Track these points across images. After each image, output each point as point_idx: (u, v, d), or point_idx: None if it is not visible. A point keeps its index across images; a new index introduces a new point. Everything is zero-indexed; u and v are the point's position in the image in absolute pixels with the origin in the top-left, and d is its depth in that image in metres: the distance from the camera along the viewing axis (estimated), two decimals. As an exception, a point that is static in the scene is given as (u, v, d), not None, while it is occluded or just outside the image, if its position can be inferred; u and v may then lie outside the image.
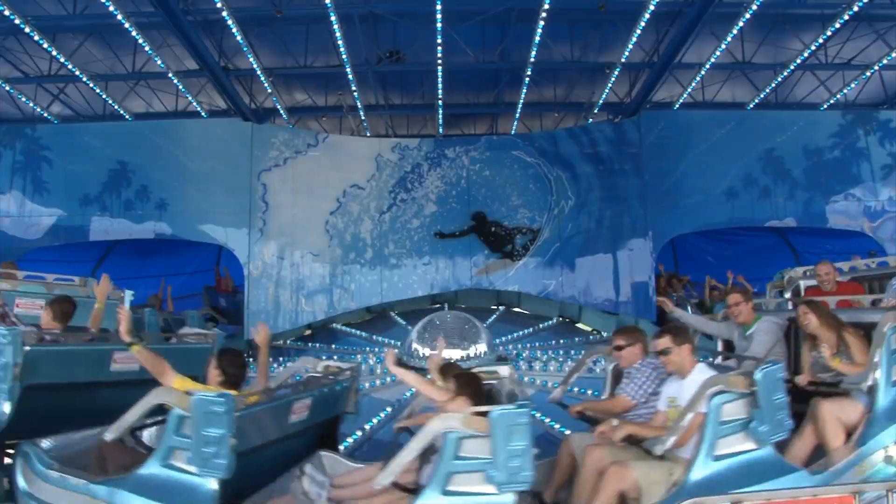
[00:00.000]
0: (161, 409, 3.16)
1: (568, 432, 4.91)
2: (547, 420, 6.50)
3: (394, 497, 3.30)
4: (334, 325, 12.69)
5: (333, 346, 11.64)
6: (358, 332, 12.17)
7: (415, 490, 3.07)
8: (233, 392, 3.19)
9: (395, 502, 3.30)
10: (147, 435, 3.73)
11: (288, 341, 12.19)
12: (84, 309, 4.84)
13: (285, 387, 3.71)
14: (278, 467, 3.58)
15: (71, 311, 4.47)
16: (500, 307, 13.26)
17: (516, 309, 13.42)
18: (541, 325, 12.27)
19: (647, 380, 3.79)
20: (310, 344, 12.00)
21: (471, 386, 3.47)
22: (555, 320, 12.67)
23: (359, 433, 6.49)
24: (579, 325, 12.87)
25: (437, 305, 12.40)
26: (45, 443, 3.52)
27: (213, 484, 2.79)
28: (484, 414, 2.71)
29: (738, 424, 3.00)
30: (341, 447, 5.75)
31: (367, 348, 11.15)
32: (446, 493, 2.68)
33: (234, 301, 12.69)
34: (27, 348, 3.50)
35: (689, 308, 10.67)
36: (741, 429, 3.00)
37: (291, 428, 3.55)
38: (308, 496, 3.69)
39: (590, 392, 7.17)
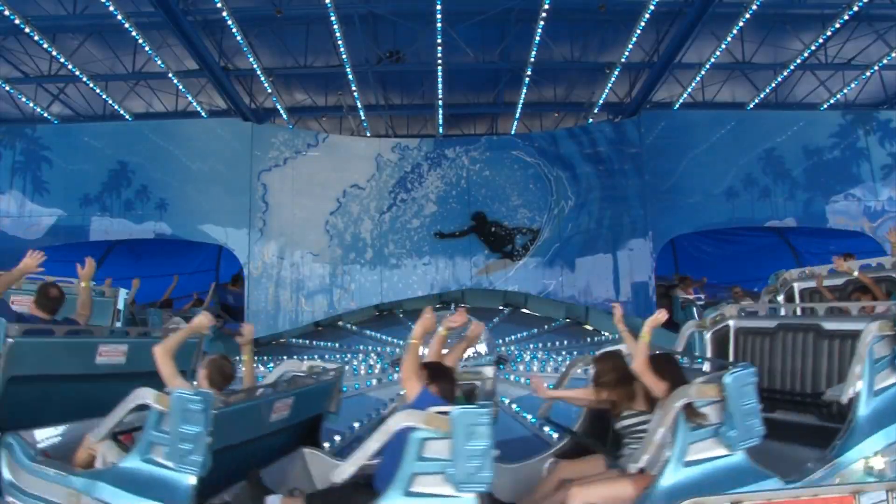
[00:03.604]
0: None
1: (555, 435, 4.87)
2: (537, 423, 6.45)
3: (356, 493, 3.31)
4: (340, 322, 12.77)
5: (337, 344, 11.65)
6: (368, 331, 12.20)
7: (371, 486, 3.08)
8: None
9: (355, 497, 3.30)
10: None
11: (292, 339, 12.25)
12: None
13: (267, 386, 3.73)
14: (259, 464, 3.63)
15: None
16: (506, 307, 13.26)
17: (523, 310, 13.41)
18: (545, 327, 12.24)
19: None
20: (314, 342, 12.01)
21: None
22: (561, 321, 12.66)
23: (347, 432, 6.50)
24: (586, 326, 12.81)
25: (439, 305, 12.42)
26: (29, 434, 3.55)
27: (190, 480, 2.85)
28: (447, 413, 2.71)
29: (709, 430, 2.97)
30: (326, 444, 5.77)
31: (370, 347, 11.17)
32: (409, 494, 2.69)
33: (243, 299, 12.67)
34: (10, 340, 3.50)
35: (694, 311, 10.65)
36: (711, 434, 2.96)
37: (273, 426, 3.59)
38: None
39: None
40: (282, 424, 3.68)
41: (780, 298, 5.99)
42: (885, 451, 3.22)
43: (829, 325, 4.02)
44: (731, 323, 4.79)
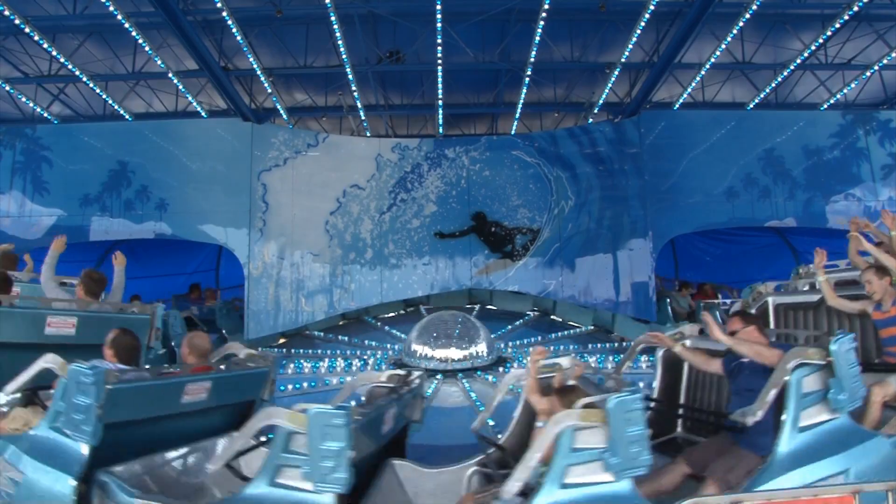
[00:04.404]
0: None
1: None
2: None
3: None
4: (366, 317, 12.95)
5: (366, 340, 11.69)
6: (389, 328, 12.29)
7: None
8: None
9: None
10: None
11: (318, 332, 12.39)
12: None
13: (178, 367, 3.84)
14: (174, 443, 3.68)
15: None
16: (534, 311, 13.26)
17: (552, 316, 13.32)
18: (571, 332, 12.18)
19: None
20: (340, 336, 12.07)
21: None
22: (586, 328, 12.56)
23: None
24: (612, 334, 12.66)
25: (470, 305, 12.45)
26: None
27: (83, 448, 3.02)
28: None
29: (591, 454, 2.83)
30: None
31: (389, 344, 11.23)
32: (274, 484, 2.78)
33: (210, 310, 12.54)
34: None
35: (717, 314, 10.57)
36: (595, 458, 2.84)
37: (186, 407, 3.65)
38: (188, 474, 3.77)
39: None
40: (200, 406, 3.74)
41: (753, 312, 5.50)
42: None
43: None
44: (687, 342, 4.36)
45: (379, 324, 12.58)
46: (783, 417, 3.22)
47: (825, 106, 13.66)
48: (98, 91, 12.28)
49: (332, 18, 9.61)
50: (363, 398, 4.63)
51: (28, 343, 4.37)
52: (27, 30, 9.72)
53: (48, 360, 3.39)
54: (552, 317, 13.15)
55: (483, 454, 4.08)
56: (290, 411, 2.79)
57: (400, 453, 4.26)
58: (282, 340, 12.26)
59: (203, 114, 13.36)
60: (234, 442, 2.90)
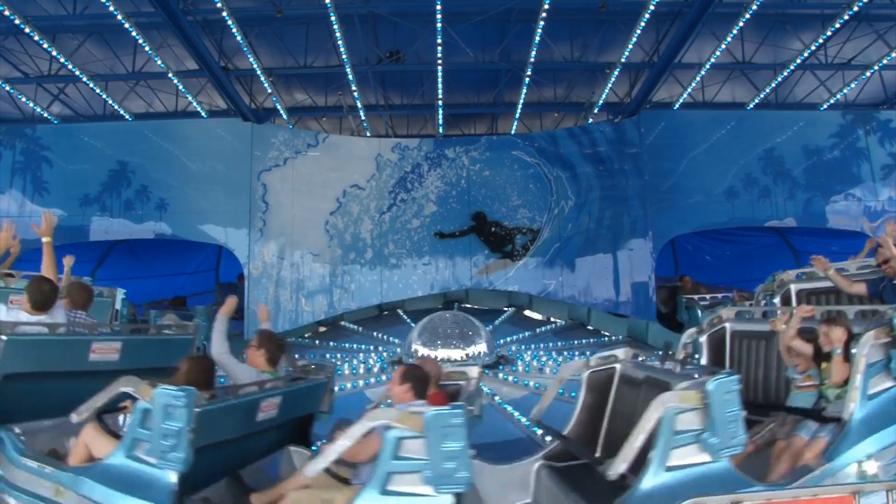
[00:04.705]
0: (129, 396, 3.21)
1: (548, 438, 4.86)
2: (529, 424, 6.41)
3: (326, 483, 3.29)
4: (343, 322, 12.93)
5: (339, 343, 11.67)
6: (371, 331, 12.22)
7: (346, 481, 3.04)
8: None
9: (326, 490, 3.29)
10: (111, 420, 3.73)
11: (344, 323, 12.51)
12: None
13: (255, 384, 3.73)
14: (246, 462, 3.62)
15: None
16: (510, 308, 13.31)
17: (527, 311, 13.48)
18: (546, 328, 12.25)
19: None
20: (316, 341, 12.03)
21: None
22: (564, 322, 12.68)
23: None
24: (588, 327, 12.81)
25: (440, 306, 12.45)
26: (20, 429, 3.55)
27: (171, 476, 2.83)
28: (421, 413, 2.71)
29: (690, 436, 2.92)
30: (320, 443, 5.74)
31: (371, 346, 11.21)
32: (385, 492, 2.70)
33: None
34: (4, 337, 3.51)
35: (698, 311, 10.61)
36: (693, 440, 2.92)
37: (260, 425, 3.58)
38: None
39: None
40: (270, 423, 3.68)
41: (777, 300, 5.85)
42: (878, 455, 3.22)
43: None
44: (727, 326, 4.78)
45: (360, 328, 12.48)
46: (855, 387, 3.34)
47: (825, 106, 13.65)
48: (98, 91, 12.28)
49: (332, 18, 9.61)
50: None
51: (72, 371, 4.12)
52: (27, 30, 9.72)
53: (126, 383, 3.09)
54: (526, 312, 13.34)
55: (543, 448, 4.16)
56: (402, 413, 2.71)
57: (304, 441, 4.29)
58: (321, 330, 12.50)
59: (203, 114, 13.36)
60: (338, 445, 2.76)
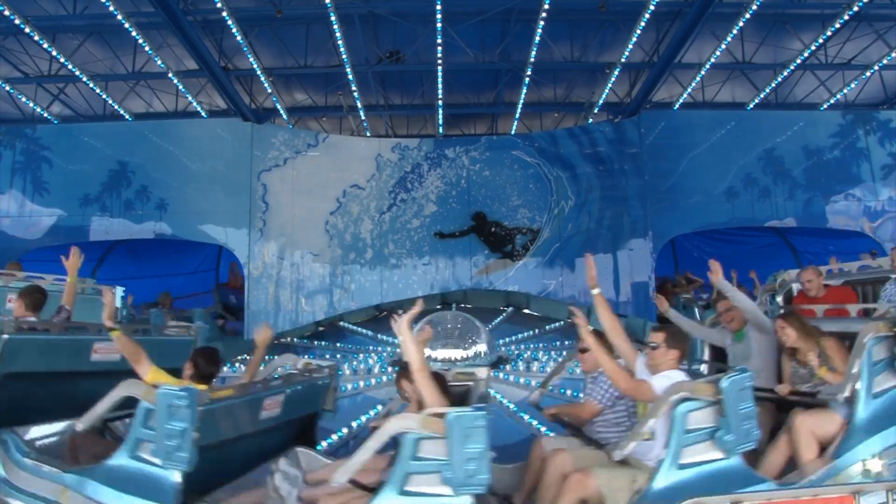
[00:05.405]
0: (134, 402, 3.18)
1: (551, 434, 4.89)
2: (534, 423, 6.41)
3: (353, 496, 3.26)
4: (342, 323, 12.92)
5: (338, 343, 11.67)
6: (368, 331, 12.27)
7: (376, 489, 3.06)
8: (202, 387, 3.29)
9: (353, 501, 3.26)
10: (122, 427, 3.73)
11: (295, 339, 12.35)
12: (81, 306, 4.88)
13: (257, 383, 3.71)
14: (250, 462, 3.61)
15: (42, 300, 4.42)
16: (508, 307, 13.31)
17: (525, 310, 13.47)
18: (547, 327, 12.27)
19: (611, 385, 3.72)
20: (315, 341, 12.04)
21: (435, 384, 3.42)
22: (563, 322, 12.68)
23: (345, 430, 6.44)
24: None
25: (440, 306, 12.45)
26: (23, 431, 3.56)
27: (176, 476, 2.83)
28: (442, 415, 2.69)
29: (705, 433, 2.94)
30: (325, 443, 5.71)
31: (370, 346, 11.21)
32: (404, 493, 2.68)
33: (243, 298, 12.68)
34: (5, 336, 3.50)
35: (696, 311, 10.64)
36: (707, 437, 2.94)
37: (263, 424, 3.57)
38: (279, 492, 3.70)
39: (569, 392, 7.18)
40: (273, 422, 3.67)
41: (779, 300, 5.87)
42: (882, 454, 3.20)
43: (827, 327, 3.98)
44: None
45: (359, 329, 12.48)
46: (857, 386, 3.31)
47: (825, 106, 13.66)
48: (98, 91, 12.29)
49: (332, 18, 9.61)
50: None
51: (72, 371, 4.14)
52: (27, 30, 9.73)
53: (128, 387, 3.10)
54: (525, 311, 13.36)
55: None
56: (423, 416, 2.70)
57: (309, 441, 4.27)
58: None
59: (203, 114, 13.36)
60: (362, 452, 2.72)
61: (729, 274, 11.54)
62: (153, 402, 2.89)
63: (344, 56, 10.79)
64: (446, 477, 2.63)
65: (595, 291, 3.93)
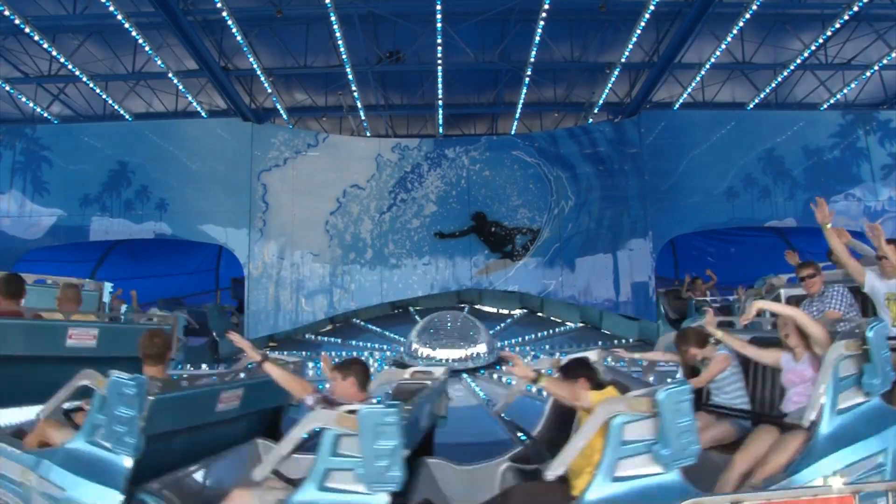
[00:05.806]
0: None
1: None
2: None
3: (276, 488, 3.27)
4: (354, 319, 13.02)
5: (352, 341, 11.68)
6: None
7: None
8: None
9: (274, 494, 3.23)
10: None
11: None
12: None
13: (210, 375, 3.80)
14: (210, 452, 3.64)
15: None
16: (523, 310, 13.40)
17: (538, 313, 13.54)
18: (557, 330, 12.32)
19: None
20: (330, 338, 12.03)
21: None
22: (575, 324, 12.70)
23: None
24: (604, 331, 12.77)
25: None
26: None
27: (126, 462, 2.91)
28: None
29: (642, 445, 2.81)
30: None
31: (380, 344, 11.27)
32: (323, 489, 2.71)
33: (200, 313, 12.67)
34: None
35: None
36: (645, 450, 2.81)
37: (219, 416, 3.62)
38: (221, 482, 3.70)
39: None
40: (232, 414, 3.73)
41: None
42: (843, 472, 3.09)
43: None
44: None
45: (370, 326, 12.57)
46: (821, 401, 3.24)
47: (825, 106, 13.66)
48: (98, 91, 12.28)
49: (332, 18, 9.61)
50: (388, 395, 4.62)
51: (48, 356, 4.25)
52: (27, 30, 9.73)
53: (85, 377, 3.21)
54: (538, 314, 13.40)
55: (511, 450, 4.13)
56: (339, 413, 2.71)
57: (429, 451, 4.21)
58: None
59: (203, 114, 13.36)
60: (280, 448, 2.78)
61: (729, 274, 11.57)
62: (104, 390, 3.00)
63: (344, 56, 10.79)
64: (359, 473, 2.64)
65: (829, 226, 4.55)
